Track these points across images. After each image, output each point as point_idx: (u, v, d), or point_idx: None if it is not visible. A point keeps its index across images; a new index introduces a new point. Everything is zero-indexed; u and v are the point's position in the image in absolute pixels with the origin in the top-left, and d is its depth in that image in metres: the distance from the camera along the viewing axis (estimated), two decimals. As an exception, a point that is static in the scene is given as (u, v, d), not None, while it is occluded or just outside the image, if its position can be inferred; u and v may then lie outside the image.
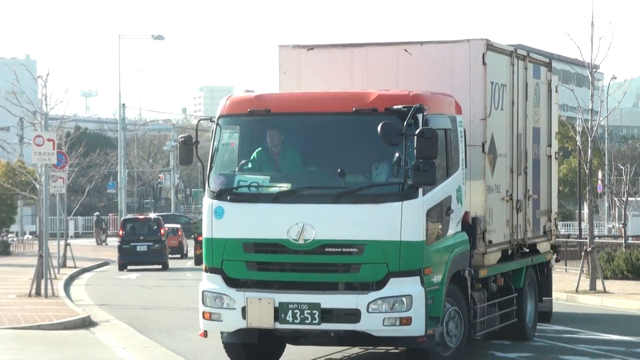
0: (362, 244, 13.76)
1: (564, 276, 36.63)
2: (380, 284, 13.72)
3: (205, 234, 14.58)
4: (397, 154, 13.88)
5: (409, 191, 13.74)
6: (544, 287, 20.40)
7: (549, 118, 20.14)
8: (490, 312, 16.93)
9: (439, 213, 14.59)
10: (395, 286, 13.69)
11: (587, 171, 33.26)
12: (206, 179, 14.66)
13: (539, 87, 19.39)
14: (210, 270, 14.50)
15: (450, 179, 14.87)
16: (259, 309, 13.96)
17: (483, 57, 16.25)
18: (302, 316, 13.82)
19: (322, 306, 13.75)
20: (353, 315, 13.71)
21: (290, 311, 13.87)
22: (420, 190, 13.78)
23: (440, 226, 14.68)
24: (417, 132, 13.44)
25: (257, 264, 14.29)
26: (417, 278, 13.78)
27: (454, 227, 14.98)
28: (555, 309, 23.06)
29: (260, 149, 14.66)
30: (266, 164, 14.66)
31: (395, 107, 13.83)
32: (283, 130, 14.60)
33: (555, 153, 21.38)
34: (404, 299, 13.64)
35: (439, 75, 16.41)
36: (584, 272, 31.96)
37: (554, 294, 25.63)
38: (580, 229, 50.98)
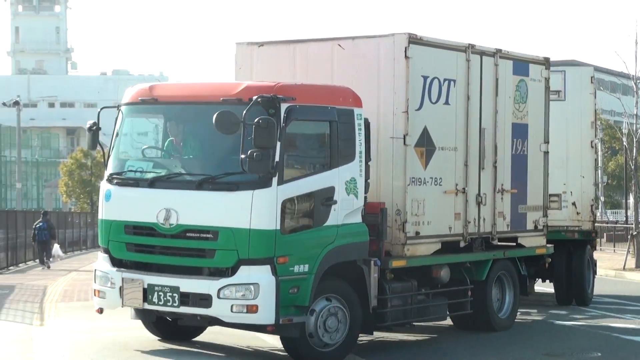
0: (217, 230, 12.30)
1: (612, 256, 38.87)
2: (231, 271, 12.20)
3: (99, 215, 13.76)
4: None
5: (261, 180, 12.07)
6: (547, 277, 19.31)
7: (545, 115, 17.40)
8: (420, 302, 14.89)
9: (308, 203, 12.85)
10: (245, 273, 12.12)
11: (632, 166, 36.68)
12: (105, 164, 13.63)
13: (525, 84, 16.88)
14: (103, 250, 13.50)
15: (334, 171, 12.95)
16: (131, 289, 12.82)
17: (405, 51, 14.16)
18: (165, 298, 12.55)
19: (181, 289, 12.41)
20: (205, 300, 12.29)
21: (155, 293, 12.61)
22: (275, 180, 12.11)
23: (309, 216, 12.89)
24: (254, 121, 11.66)
25: (134, 246, 13.13)
26: (268, 267, 12.14)
27: (339, 218, 12.98)
28: (605, 284, 25.62)
29: (149, 136, 13.79)
30: (151, 151, 13.60)
31: (255, 96, 12.12)
32: (166, 119, 13.46)
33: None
34: (251, 286, 12.06)
35: (368, 70, 14.60)
36: (630, 252, 33.66)
37: (604, 271, 30.66)
38: (626, 216, 53.55)
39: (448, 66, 15.20)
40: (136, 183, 13.09)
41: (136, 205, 13.03)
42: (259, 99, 12.11)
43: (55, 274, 31.24)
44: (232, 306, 12.12)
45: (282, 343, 13.14)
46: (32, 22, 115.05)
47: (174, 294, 12.44)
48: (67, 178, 70.64)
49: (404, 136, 14.17)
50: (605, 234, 44.81)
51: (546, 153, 17.51)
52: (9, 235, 33.48)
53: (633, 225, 35.42)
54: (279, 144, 12.13)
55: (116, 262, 13.11)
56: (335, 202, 12.88)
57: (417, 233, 14.53)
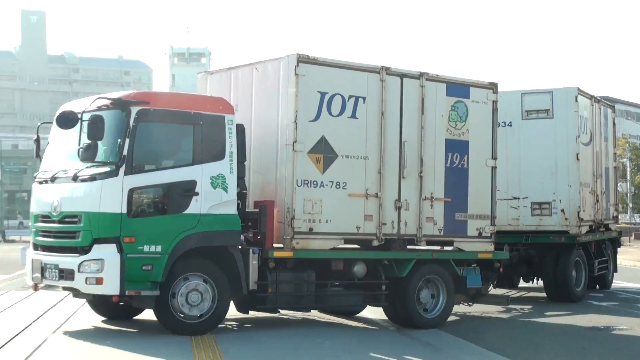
0: (80, 214, 12.62)
1: (638, 251, 40.64)
2: (88, 249, 12.48)
3: None
4: (113, 142, 12.60)
5: (111, 172, 12.39)
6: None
7: (493, 133, 16.28)
8: (322, 291, 14.53)
9: (162, 193, 12.95)
10: (96, 251, 12.39)
11: None
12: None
13: (464, 105, 15.89)
14: None
15: (197, 167, 13.01)
16: (35, 268, 13.44)
17: (295, 69, 13.84)
18: (52, 274, 13.01)
19: (60, 266, 12.83)
20: (71, 274, 12.61)
21: (47, 270, 13.10)
22: (122, 171, 12.36)
23: (163, 204, 12.94)
24: (88, 118, 12.16)
25: (39, 232, 13.64)
26: (114, 245, 12.31)
27: (202, 208, 12.96)
28: (629, 273, 28.16)
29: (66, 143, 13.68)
30: (57, 154, 13.79)
31: (119, 98, 12.79)
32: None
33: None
34: (99, 262, 12.31)
35: (273, 87, 14.49)
36: None
37: (633, 263, 34.31)
38: None
39: (356, 85, 14.65)
40: (41, 181, 13.53)
41: (41, 198, 13.57)
42: (110, 103, 12.47)
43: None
44: (86, 279, 12.37)
45: (154, 311, 13.10)
46: (184, 70, 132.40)
47: (55, 270, 12.85)
48: None
49: (293, 143, 13.79)
50: (633, 232, 49.45)
51: (494, 168, 16.30)
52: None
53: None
54: (127, 140, 12.39)
55: (34, 247, 13.71)
56: (197, 194, 12.88)
57: (311, 229, 14.03)
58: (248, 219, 13.86)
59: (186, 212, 12.82)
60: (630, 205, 60.27)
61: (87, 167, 12.55)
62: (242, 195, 13.67)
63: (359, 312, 16.37)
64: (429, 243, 15.57)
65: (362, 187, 14.63)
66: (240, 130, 13.59)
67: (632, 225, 54.09)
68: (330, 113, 14.26)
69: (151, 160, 12.97)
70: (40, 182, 13.52)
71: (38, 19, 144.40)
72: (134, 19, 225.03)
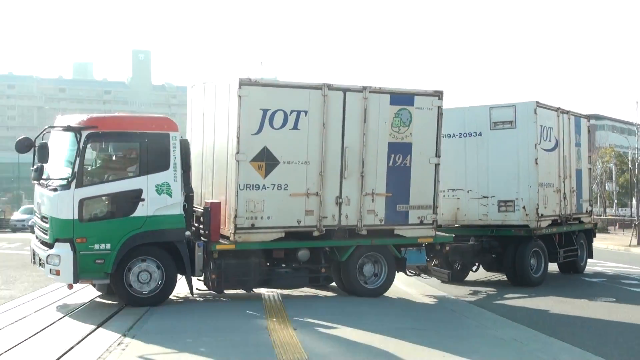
0: (48, 217, 14.34)
1: (622, 238, 44.80)
2: (52, 245, 14.17)
3: None
4: (68, 161, 14.26)
5: (65, 184, 14.04)
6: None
7: (437, 135, 16.86)
8: (268, 274, 15.92)
9: (111, 200, 14.45)
10: (56, 248, 14.04)
11: (635, 180, 50.07)
12: None
13: (407, 112, 16.53)
14: None
15: (142, 177, 14.43)
16: (33, 255, 15.23)
17: (237, 91, 15.02)
18: (39, 262, 14.72)
19: (39, 256, 14.60)
20: (42, 263, 14.40)
21: (35, 256, 14.93)
22: (74, 184, 13.96)
23: (112, 209, 14.45)
24: (37, 144, 13.99)
25: (36, 226, 15.36)
26: (68, 244, 13.93)
27: (149, 211, 14.41)
28: (617, 256, 32.03)
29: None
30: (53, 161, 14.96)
31: (68, 125, 14.35)
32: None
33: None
34: (57, 257, 13.96)
35: (225, 105, 15.68)
36: (634, 235, 40.75)
37: (616, 247, 37.67)
38: (631, 212, 64.87)
39: (298, 101, 15.53)
40: (39, 184, 14.90)
41: (36, 198, 15.37)
42: (66, 128, 14.04)
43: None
44: (50, 269, 14.12)
45: (115, 291, 14.82)
46: None
47: (38, 258, 14.71)
48: None
49: (235, 154, 14.98)
50: (618, 223, 54.96)
51: (437, 165, 16.96)
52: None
53: (635, 218, 45.48)
54: (78, 159, 13.94)
55: (36, 237, 15.43)
56: (144, 200, 14.33)
57: (253, 225, 15.25)
58: (198, 217, 15.29)
59: (133, 215, 14.33)
60: (615, 201, 70.18)
61: (57, 179, 14.22)
62: (189, 198, 15.04)
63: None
64: (369, 232, 16.45)
65: (303, 188, 15.66)
66: (184, 144, 14.87)
67: (617, 217, 61.82)
68: (272, 126, 15.28)
69: (100, 174, 14.59)
70: (39, 184, 15.09)
71: (145, 56, 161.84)
72: (220, 53, 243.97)
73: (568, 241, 21.38)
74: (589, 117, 23.01)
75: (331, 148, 15.87)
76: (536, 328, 13.51)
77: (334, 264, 16.43)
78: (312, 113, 15.64)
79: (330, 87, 15.80)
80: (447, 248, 17.97)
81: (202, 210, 15.60)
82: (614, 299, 17.52)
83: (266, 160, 15.31)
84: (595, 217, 60.19)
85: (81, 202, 13.96)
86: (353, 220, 16.19)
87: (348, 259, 16.25)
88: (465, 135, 19.92)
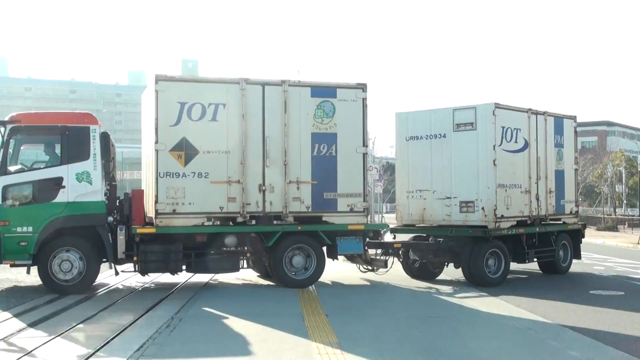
0: None
1: (631, 236, 44.37)
2: None
3: None
4: None
5: None
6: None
7: (363, 125, 17.31)
8: (184, 257, 16.42)
9: (32, 187, 15.48)
10: None
11: None
12: None
13: (330, 104, 17.11)
14: None
15: (64, 167, 15.56)
16: None
17: (155, 86, 16.15)
18: None
19: None
20: None
21: None
22: None
23: (33, 195, 15.45)
24: None
25: None
26: None
27: (69, 197, 15.46)
28: (626, 252, 31.95)
29: None
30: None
31: None
32: None
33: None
34: None
35: (151, 98, 16.46)
36: None
37: (625, 244, 37.11)
38: (639, 212, 69.99)
39: (216, 94, 16.40)
40: None
41: None
42: None
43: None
44: None
45: (41, 279, 15.78)
46: None
47: None
48: None
49: (154, 144, 15.95)
50: (627, 222, 56.39)
51: (365, 154, 17.32)
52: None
53: (646, 217, 45.38)
54: (1, 150, 15.19)
55: None
56: (64, 187, 15.42)
57: (174, 210, 16.00)
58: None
59: (54, 201, 15.39)
60: (625, 201, 70.77)
61: None
62: (112, 186, 15.98)
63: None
64: (296, 219, 16.81)
65: (225, 176, 16.33)
66: (104, 136, 15.96)
67: (626, 217, 62.80)
68: (190, 118, 16.17)
69: (24, 163, 15.77)
70: None
71: (192, 65, 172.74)
72: (261, 61, 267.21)
73: (544, 242, 20.64)
74: (574, 118, 22.19)
75: (252, 138, 16.56)
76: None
77: (266, 251, 16.79)
78: (230, 106, 16.45)
79: (248, 82, 16.62)
80: (400, 246, 18.24)
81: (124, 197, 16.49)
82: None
83: (185, 150, 16.14)
84: (605, 216, 60.22)
85: (4, 189, 15.15)
86: (278, 207, 16.63)
87: (275, 245, 16.61)
88: (431, 137, 19.98)
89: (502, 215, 18.86)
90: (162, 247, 16.07)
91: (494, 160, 18.67)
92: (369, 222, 17.28)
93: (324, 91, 17.13)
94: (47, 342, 10.61)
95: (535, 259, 20.65)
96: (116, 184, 16.20)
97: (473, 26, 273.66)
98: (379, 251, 18.79)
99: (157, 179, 15.92)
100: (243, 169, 16.43)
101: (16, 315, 12.72)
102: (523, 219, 19.73)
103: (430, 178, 19.84)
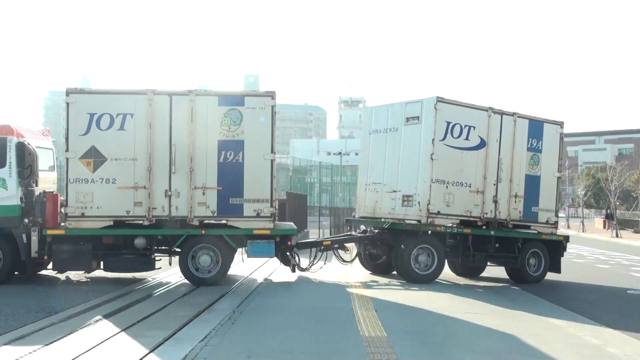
0: None
1: None
2: None
3: None
4: None
5: None
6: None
7: (271, 132, 17.53)
8: (94, 257, 17.29)
9: None
10: None
11: None
12: None
13: (238, 112, 17.44)
14: None
15: None
16: None
17: (65, 99, 17.13)
18: None
19: None
20: None
21: None
22: None
23: None
24: None
25: None
26: None
27: None
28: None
29: None
30: None
31: None
32: None
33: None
34: None
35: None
36: None
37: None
38: None
39: (124, 105, 17.16)
40: None
41: None
42: None
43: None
44: None
45: None
46: (348, 112, 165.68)
47: None
48: None
49: (65, 152, 16.94)
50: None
51: (273, 161, 17.49)
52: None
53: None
54: None
55: None
56: None
57: (83, 214, 16.91)
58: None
59: None
60: None
61: None
62: (28, 191, 17.03)
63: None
64: (202, 222, 17.29)
65: (131, 182, 17.06)
66: (20, 146, 17.01)
67: None
68: (99, 128, 17.01)
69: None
70: None
71: (254, 79, 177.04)
72: (318, 76, 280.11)
73: (506, 247, 20.05)
74: (561, 124, 21.15)
75: (159, 146, 17.20)
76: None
77: (175, 253, 17.44)
78: (138, 115, 17.16)
79: (155, 92, 17.27)
80: (329, 243, 19.52)
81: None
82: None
83: (94, 157, 17.00)
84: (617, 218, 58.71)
85: None
86: (184, 211, 17.19)
87: (181, 247, 17.17)
88: (387, 130, 20.03)
89: (439, 212, 18.61)
90: (72, 247, 16.96)
91: (431, 155, 18.45)
92: (275, 227, 17.46)
93: (231, 100, 17.50)
94: (118, 333, 11.32)
95: (489, 263, 20.13)
96: (33, 189, 17.20)
97: (488, 34, 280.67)
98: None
99: (67, 184, 16.85)
100: (149, 175, 17.10)
101: (89, 309, 13.73)
102: (472, 219, 19.28)
103: (383, 171, 19.97)
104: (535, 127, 20.70)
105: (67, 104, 17.00)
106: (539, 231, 20.74)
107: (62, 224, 17.08)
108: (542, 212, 20.78)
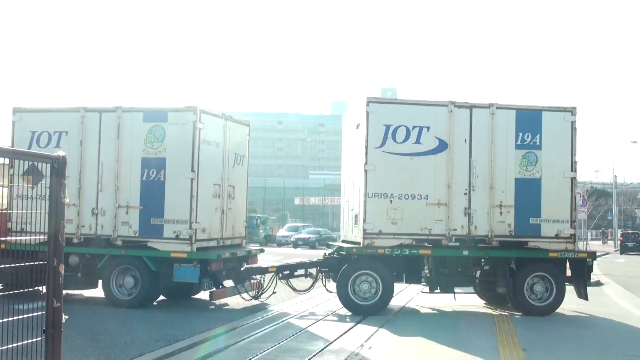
0: None
1: None
2: None
3: None
4: None
5: None
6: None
7: (193, 149, 16.33)
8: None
9: None
10: None
11: None
12: None
13: (161, 128, 16.55)
14: None
15: None
16: None
17: (12, 117, 17.64)
18: None
19: None
20: None
21: None
22: None
23: None
24: None
25: None
26: None
27: None
28: None
29: None
30: None
31: None
32: None
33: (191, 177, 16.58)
34: None
35: None
36: None
37: None
38: None
39: (60, 123, 17.16)
40: None
41: None
42: None
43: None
44: None
45: None
46: None
47: None
48: None
49: (10, 169, 17.24)
50: None
51: (193, 179, 16.30)
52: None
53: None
54: None
55: None
56: None
57: (22, 229, 16.92)
58: None
59: None
60: None
61: None
62: None
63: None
64: (125, 242, 16.76)
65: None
66: None
67: None
68: (38, 145, 17.22)
69: None
70: None
71: (392, 93, 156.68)
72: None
73: (493, 270, 16.67)
74: (572, 110, 16.63)
75: (88, 164, 16.97)
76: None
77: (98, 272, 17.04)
78: (72, 133, 17.06)
79: (87, 109, 17.02)
80: (275, 269, 17.55)
81: None
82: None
83: (33, 175, 17.06)
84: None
85: None
86: (108, 230, 16.76)
87: (103, 267, 16.76)
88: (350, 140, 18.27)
89: (380, 232, 16.07)
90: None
91: (364, 165, 16.09)
92: (194, 250, 16.19)
93: (155, 115, 16.65)
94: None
95: (459, 290, 17.08)
96: None
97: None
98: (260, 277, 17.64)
99: (9, 201, 17.18)
100: (80, 193, 16.88)
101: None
102: (434, 237, 16.33)
103: (347, 187, 18.05)
104: (528, 118, 16.60)
105: (13, 122, 17.37)
106: (541, 248, 16.56)
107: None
108: (547, 223, 16.49)
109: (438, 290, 16.70)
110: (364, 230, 16.05)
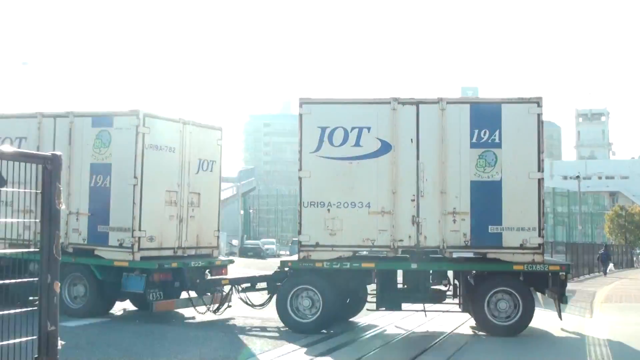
0: None
1: None
2: None
3: None
4: None
5: None
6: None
7: (136, 155, 15.58)
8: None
9: None
10: None
11: None
12: None
13: (107, 133, 16.05)
14: None
15: None
16: None
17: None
18: None
19: None
20: None
21: None
22: None
23: None
24: None
25: None
26: None
27: None
28: None
29: None
30: None
31: None
32: None
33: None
34: None
35: None
36: None
37: None
38: None
39: (19, 128, 17.02)
40: None
41: None
42: None
43: (603, 282, 33.00)
44: None
45: None
46: (588, 127, 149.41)
47: None
48: (610, 223, 75.44)
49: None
50: None
51: (135, 186, 15.57)
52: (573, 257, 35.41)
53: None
54: None
55: None
56: None
57: (-13, 237, 17.08)
58: None
59: None
60: None
61: None
62: None
63: None
64: (75, 250, 16.24)
65: (21, 206, 16.61)
66: None
67: None
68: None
69: None
70: None
71: (472, 92, 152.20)
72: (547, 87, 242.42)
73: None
74: (538, 101, 14.52)
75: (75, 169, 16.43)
76: None
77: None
78: (30, 139, 16.86)
79: (43, 115, 16.74)
80: (227, 282, 16.40)
81: None
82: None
83: (-1, 182, 16.96)
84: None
85: None
86: (61, 237, 16.23)
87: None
88: None
89: (317, 244, 14.70)
90: None
91: (298, 171, 14.87)
92: (137, 259, 15.41)
93: (102, 120, 16.16)
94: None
95: (405, 307, 15.42)
96: None
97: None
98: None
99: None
100: (35, 200, 16.47)
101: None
102: (376, 249, 14.74)
103: None
104: (485, 112, 14.60)
105: (-19, 129, 17.34)
106: (502, 260, 14.42)
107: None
108: (509, 232, 14.33)
109: (384, 309, 15.17)
110: (300, 242, 14.83)
